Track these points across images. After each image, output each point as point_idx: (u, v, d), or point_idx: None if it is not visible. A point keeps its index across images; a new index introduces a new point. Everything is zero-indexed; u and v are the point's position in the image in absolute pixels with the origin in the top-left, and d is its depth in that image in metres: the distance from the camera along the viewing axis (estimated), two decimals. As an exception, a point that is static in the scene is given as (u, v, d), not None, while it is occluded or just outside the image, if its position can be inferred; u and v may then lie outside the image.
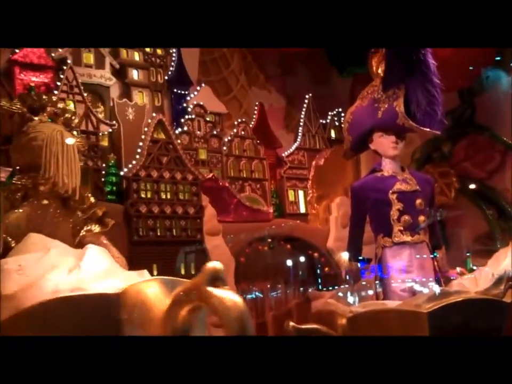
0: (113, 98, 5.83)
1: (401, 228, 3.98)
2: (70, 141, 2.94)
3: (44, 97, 3.11)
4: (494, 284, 3.06)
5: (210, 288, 1.68)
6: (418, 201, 3.96)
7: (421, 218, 3.96)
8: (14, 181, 2.94)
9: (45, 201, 2.89)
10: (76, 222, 2.92)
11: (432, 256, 3.98)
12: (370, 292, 4.15)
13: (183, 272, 5.36)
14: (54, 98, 3.27)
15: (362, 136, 4.13)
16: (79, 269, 2.23)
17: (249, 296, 6.15)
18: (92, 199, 3.12)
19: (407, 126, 3.89)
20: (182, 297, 1.79)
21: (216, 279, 1.71)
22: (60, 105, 3.19)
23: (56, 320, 1.92)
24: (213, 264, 1.75)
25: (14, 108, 3.00)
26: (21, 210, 2.83)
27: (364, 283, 4.22)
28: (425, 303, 2.81)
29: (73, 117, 3.21)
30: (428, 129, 3.93)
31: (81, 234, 2.89)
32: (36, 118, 3.01)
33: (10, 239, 2.66)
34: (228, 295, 1.67)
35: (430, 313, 2.70)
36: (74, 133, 5.15)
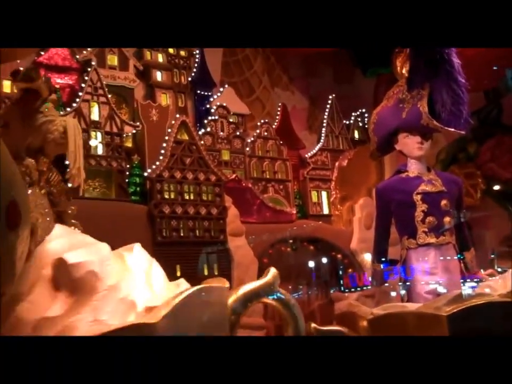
0: (137, 99, 5.87)
1: (426, 229, 3.93)
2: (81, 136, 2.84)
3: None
4: None
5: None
6: (443, 202, 3.91)
7: (446, 219, 3.90)
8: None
9: (43, 191, 2.77)
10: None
11: (458, 257, 3.93)
12: (394, 294, 4.12)
13: (206, 273, 5.37)
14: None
15: (387, 136, 4.09)
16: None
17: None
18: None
19: (431, 126, 3.84)
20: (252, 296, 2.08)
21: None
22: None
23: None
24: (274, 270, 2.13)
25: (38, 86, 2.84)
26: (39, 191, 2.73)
27: (387, 285, 4.19)
28: (445, 305, 2.77)
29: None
30: (453, 129, 3.88)
31: None
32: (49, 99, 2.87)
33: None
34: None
35: (449, 316, 2.66)
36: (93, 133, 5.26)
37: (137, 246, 2.24)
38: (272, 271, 2.13)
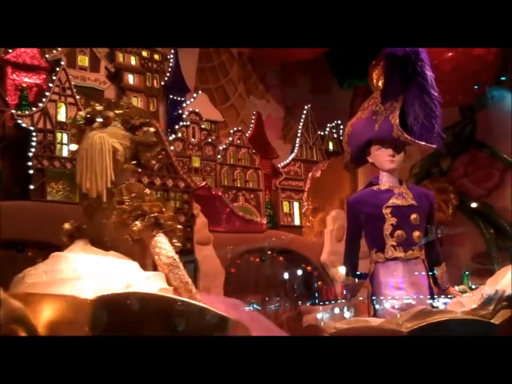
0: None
1: (394, 243, 3.87)
2: (97, 142, 2.84)
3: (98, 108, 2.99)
4: (482, 304, 2.97)
5: None
6: (413, 216, 3.85)
7: (416, 233, 3.84)
8: None
9: (104, 205, 2.88)
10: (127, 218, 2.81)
11: (429, 273, 3.86)
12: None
13: (171, 281, 5.24)
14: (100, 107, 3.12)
15: (361, 148, 4.04)
16: None
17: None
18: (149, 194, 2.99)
19: (402, 139, 3.79)
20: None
21: None
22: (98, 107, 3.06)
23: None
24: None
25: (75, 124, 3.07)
26: None
27: (360, 298, 4.12)
28: (407, 322, 2.72)
29: (130, 114, 3.03)
30: (424, 143, 3.83)
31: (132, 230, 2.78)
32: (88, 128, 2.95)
33: None
34: None
35: (410, 333, 2.61)
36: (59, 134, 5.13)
37: None
38: None
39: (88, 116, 2.96)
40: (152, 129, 3.06)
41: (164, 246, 2.77)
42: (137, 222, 2.77)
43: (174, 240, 2.84)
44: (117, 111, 2.96)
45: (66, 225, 3.00)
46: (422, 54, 3.80)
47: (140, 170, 3.11)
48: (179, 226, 2.93)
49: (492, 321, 3.02)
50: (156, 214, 2.80)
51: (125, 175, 2.97)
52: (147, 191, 2.95)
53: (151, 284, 2.58)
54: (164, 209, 2.86)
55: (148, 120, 3.08)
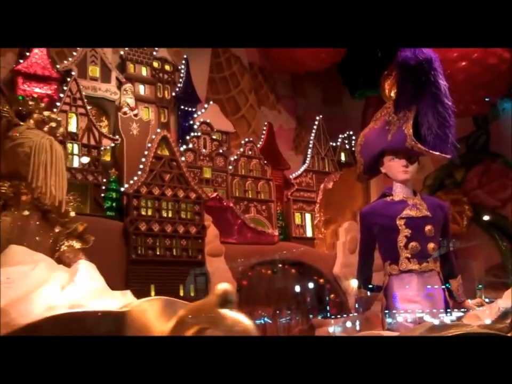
0: (118, 112, 5.70)
1: (409, 255, 3.80)
2: (59, 150, 2.80)
3: (31, 103, 2.97)
4: (499, 317, 2.89)
5: (223, 311, 1.61)
6: (427, 227, 3.77)
7: (431, 245, 3.77)
8: None
9: (26, 212, 2.76)
10: (56, 236, 2.77)
11: (443, 286, 3.78)
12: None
13: (181, 293, 5.17)
14: (42, 105, 3.12)
15: (374, 159, 3.97)
16: (73, 286, 2.18)
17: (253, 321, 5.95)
18: (73, 214, 2.97)
19: (415, 149, 3.72)
20: (189, 319, 1.71)
21: (227, 302, 1.63)
22: (46, 113, 3.03)
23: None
24: (224, 286, 1.66)
25: (2, 111, 2.87)
26: (4, 219, 2.70)
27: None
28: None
29: (58, 126, 3.05)
30: (438, 153, 3.76)
31: (61, 249, 2.74)
32: (22, 124, 2.87)
33: None
34: (241, 319, 1.61)
35: (423, 347, 2.53)
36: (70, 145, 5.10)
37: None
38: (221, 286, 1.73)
39: (22, 111, 2.91)
40: None
41: None
42: (74, 243, 2.80)
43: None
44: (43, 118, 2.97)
45: None
46: (435, 63, 3.75)
47: None
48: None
49: (509, 335, 2.95)
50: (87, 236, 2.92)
51: None
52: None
53: None
54: None
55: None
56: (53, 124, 2.98)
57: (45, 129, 2.92)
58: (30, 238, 2.69)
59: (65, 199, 2.83)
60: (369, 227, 3.96)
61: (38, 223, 2.77)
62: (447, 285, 3.83)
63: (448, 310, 3.69)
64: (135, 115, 5.73)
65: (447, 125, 3.79)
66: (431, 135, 3.80)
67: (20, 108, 2.90)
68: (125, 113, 5.63)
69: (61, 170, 2.78)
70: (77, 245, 2.80)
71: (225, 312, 1.61)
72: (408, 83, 3.84)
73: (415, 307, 3.63)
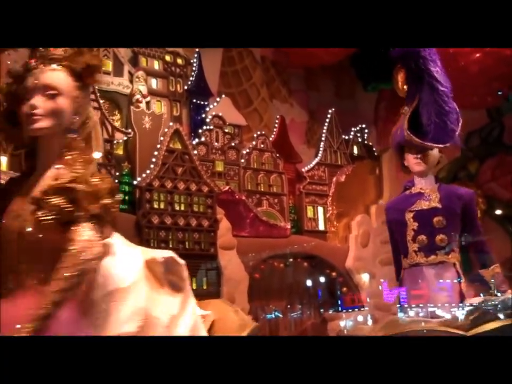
0: (130, 106, 5.72)
1: (416, 249, 3.78)
2: None
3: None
4: (467, 313, 2.88)
5: None
6: (436, 219, 3.73)
7: (439, 237, 3.72)
8: None
9: None
10: None
11: (458, 279, 3.72)
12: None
13: (194, 287, 5.18)
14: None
15: (398, 152, 3.98)
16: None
17: (264, 315, 5.96)
18: None
19: (414, 142, 3.71)
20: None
21: None
22: None
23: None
24: None
25: None
26: None
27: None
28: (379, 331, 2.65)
29: None
30: (435, 144, 3.74)
31: None
32: None
33: None
34: None
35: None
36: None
37: None
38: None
39: None
40: None
41: None
42: None
43: None
44: None
45: None
46: (424, 51, 3.71)
47: None
48: None
49: (466, 333, 2.91)
50: None
51: None
52: None
53: None
54: None
55: None
56: None
57: None
58: None
59: None
60: (389, 221, 4.00)
61: None
62: (459, 279, 3.78)
63: (460, 304, 3.66)
64: (148, 103, 5.75)
65: (443, 112, 3.73)
66: (431, 125, 3.76)
67: None
68: (137, 100, 5.64)
69: None
70: None
71: None
72: (407, 74, 3.84)
73: (425, 301, 3.61)
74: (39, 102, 2.03)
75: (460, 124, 3.69)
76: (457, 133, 3.68)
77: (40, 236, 1.94)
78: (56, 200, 1.91)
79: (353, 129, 7.22)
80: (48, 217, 1.92)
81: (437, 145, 3.72)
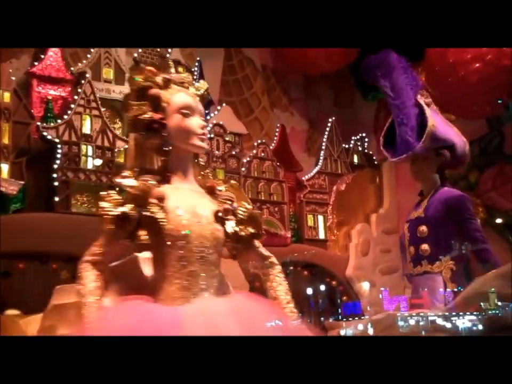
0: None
1: (409, 259, 3.79)
2: None
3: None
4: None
5: None
6: (420, 228, 3.70)
7: (422, 247, 3.67)
8: None
9: None
10: None
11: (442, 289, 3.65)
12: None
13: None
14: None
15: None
16: None
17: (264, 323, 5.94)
18: None
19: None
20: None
21: None
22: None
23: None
24: None
25: None
26: None
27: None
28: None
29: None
30: (393, 159, 3.82)
31: None
32: None
33: None
34: None
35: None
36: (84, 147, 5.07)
37: None
38: None
39: None
40: None
41: None
42: None
43: None
44: None
45: None
46: (376, 68, 3.77)
47: None
48: None
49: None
50: None
51: None
52: None
53: None
54: None
55: None
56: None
57: None
58: None
59: None
60: None
61: None
62: (446, 289, 3.70)
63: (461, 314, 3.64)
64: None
65: (398, 123, 3.75)
66: (397, 138, 3.80)
67: None
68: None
69: None
70: None
71: None
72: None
73: (417, 311, 3.60)
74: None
75: (424, 134, 3.66)
76: (416, 143, 3.65)
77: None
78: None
79: (353, 138, 7.24)
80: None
81: (398, 157, 3.75)
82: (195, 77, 6.30)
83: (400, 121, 3.71)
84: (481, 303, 3.86)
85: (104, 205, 2.08)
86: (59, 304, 2.41)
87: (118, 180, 2.13)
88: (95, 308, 1.97)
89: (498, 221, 6.84)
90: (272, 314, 2.09)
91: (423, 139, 3.64)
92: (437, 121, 3.81)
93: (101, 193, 2.14)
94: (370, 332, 3.84)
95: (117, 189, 2.16)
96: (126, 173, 2.14)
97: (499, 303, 3.89)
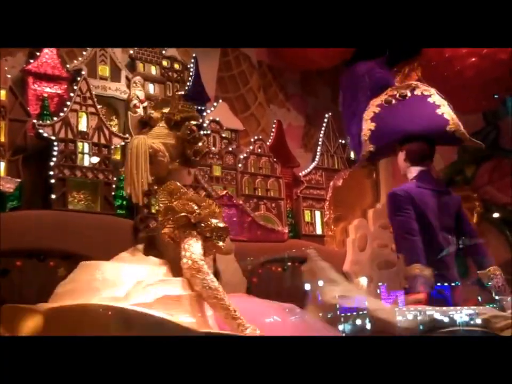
0: (128, 111, 5.72)
1: None
2: (139, 149, 2.86)
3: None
4: None
5: None
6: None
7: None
8: None
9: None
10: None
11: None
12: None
13: (192, 291, 5.18)
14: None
15: None
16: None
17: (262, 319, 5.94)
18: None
19: None
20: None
21: None
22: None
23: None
24: None
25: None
26: None
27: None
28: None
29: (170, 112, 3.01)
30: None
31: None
32: (144, 130, 3.05)
33: None
34: None
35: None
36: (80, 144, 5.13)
37: None
38: None
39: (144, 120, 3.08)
40: (193, 123, 3.00)
41: (190, 249, 2.63)
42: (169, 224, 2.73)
43: (215, 241, 2.74)
44: (163, 110, 2.96)
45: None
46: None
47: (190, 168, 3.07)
48: (221, 224, 2.80)
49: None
50: (185, 214, 2.69)
51: (174, 175, 2.95)
52: (183, 190, 2.85)
53: (152, 291, 2.45)
54: (197, 208, 2.73)
55: (189, 114, 3.00)
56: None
57: (160, 123, 3.00)
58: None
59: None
60: None
61: None
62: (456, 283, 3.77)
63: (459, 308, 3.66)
64: (145, 108, 5.77)
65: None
66: None
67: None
68: (135, 105, 5.66)
69: (134, 167, 2.85)
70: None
71: None
72: None
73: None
74: None
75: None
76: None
77: None
78: None
79: (350, 133, 7.23)
80: None
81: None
82: (191, 74, 6.31)
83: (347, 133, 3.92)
84: (479, 297, 3.87)
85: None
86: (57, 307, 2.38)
87: None
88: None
89: (495, 215, 6.86)
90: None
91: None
92: (376, 124, 3.97)
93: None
94: (368, 326, 3.86)
95: None
96: None
97: (496, 297, 3.91)
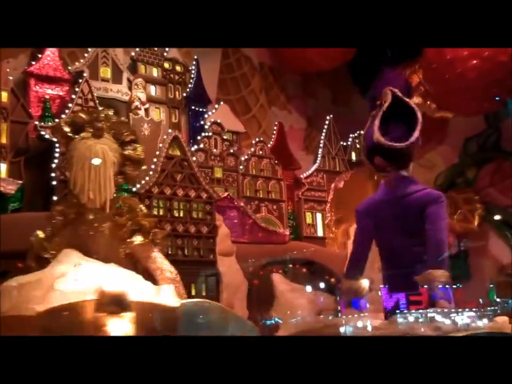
0: (129, 113, 5.73)
1: None
2: (98, 157, 2.98)
3: (83, 116, 3.15)
4: None
5: None
6: None
7: None
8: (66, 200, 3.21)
9: (91, 216, 3.02)
10: (124, 232, 3.03)
11: None
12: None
13: (193, 293, 5.18)
14: (110, 113, 3.35)
15: None
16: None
17: (263, 321, 5.95)
18: (143, 210, 3.25)
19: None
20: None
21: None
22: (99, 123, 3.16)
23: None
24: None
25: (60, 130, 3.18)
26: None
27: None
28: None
29: (121, 129, 3.26)
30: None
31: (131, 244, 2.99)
32: (77, 136, 3.07)
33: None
34: None
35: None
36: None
37: None
38: None
39: (75, 124, 3.08)
40: (140, 147, 3.27)
41: (164, 262, 3.00)
42: (136, 237, 2.91)
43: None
44: (108, 124, 3.09)
45: (40, 233, 3.09)
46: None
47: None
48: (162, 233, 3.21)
49: None
50: (154, 231, 3.07)
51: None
52: (140, 205, 3.22)
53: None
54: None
55: (136, 137, 3.32)
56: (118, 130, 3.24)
57: (106, 135, 3.13)
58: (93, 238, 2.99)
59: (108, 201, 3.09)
60: None
61: (104, 224, 3.04)
62: None
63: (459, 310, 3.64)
64: (146, 110, 5.78)
65: None
66: None
67: (75, 122, 3.11)
68: (136, 107, 5.67)
69: (101, 175, 2.94)
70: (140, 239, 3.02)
71: None
72: None
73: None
74: None
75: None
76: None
77: None
78: None
79: (351, 135, 7.24)
80: None
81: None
82: (192, 76, 6.32)
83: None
84: (480, 299, 3.86)
85: None
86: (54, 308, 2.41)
87: None
88: None
89: (497, 217, 6.85)
90: None
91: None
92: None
93: None
94: (369, 328, 3.84)
95: None
96: None
97: (498, 300, 3.90)
